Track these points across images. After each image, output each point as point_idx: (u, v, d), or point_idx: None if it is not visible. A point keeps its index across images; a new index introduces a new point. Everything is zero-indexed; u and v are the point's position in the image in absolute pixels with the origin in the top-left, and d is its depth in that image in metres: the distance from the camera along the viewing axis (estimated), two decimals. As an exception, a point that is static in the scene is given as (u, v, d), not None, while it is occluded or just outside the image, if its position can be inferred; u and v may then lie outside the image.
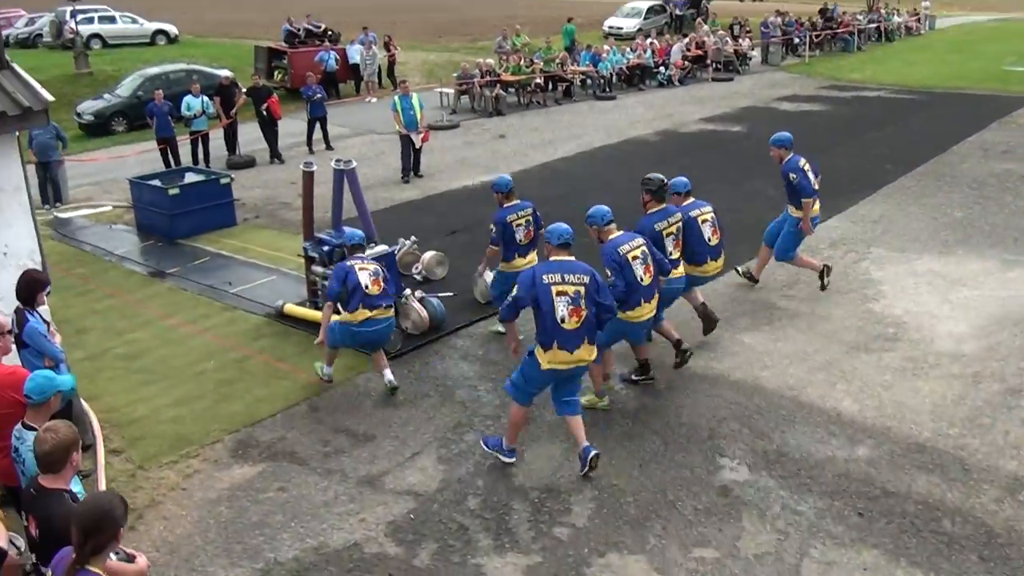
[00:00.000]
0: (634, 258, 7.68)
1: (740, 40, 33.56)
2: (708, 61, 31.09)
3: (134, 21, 37.82)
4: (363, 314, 8.26)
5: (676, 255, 8.57)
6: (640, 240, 7.86)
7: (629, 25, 41.36)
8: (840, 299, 10.57)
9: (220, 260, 12.94)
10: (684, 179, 9.22)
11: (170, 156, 18.42)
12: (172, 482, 7.37)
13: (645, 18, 41.81)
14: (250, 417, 8.32)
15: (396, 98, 17.61)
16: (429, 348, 9.63)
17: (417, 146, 17.49)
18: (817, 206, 10.44)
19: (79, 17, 33.13)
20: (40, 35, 37.88)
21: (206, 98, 19.02)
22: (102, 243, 14.14)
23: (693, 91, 28.26)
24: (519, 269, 8.90)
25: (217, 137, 19.46)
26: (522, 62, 26.28)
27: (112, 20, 37.25)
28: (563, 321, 6.79)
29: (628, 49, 29.87)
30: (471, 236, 13.29)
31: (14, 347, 6.58)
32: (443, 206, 15.36)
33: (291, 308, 10.52)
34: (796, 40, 36.24)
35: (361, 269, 8.39)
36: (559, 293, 6.80)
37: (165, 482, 7.37)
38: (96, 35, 35.65)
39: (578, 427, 7.17)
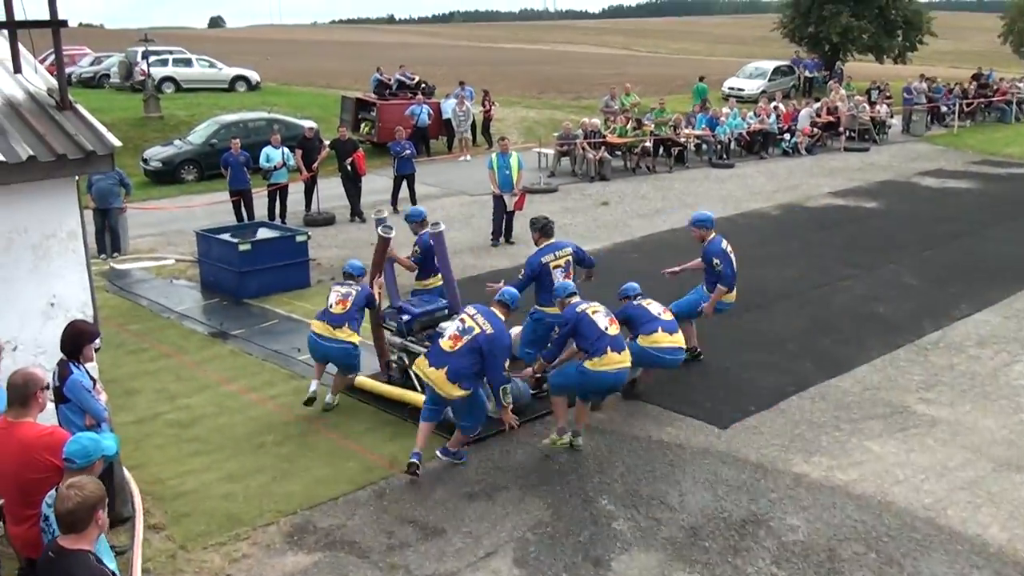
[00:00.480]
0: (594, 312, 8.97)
1: (878, 106, 33.33)
2: (841, 129, 30.93)
3: (212, 65, 39.56)
4: (317, 326, 10.03)
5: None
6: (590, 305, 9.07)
7: (752, 87, 41.51)
8: (989, 406, 10.20)
9: (290, 324, 13.24)
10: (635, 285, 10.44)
11: (243, 209, 19.09)
12: (216, 567, 7.44)
13: (770, 79, 41.96)
14: (309, 499, 8.38)
15: (494, 155, 18.07)
16: (510, 434, 9.60)
17: (510, 208, 17.74)
18: (733, 294, 11.10)
19: (152, 59, 34.81)
20: (107, 75, 39.87)
21: (287, 150, 19.72)
22: (161, 298, 14.64)
23: (822, 161, 28.05)
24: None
25: (296, 191, 20.12)
26: (630, 123, 26.55)
27: (188, 63, 39.06)
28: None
29: (750, 113, 29.93)
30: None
31: (52, 404, 6.64)
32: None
33: (362, 381, 10.65)
34: (944, 108, 35.79)
35: (333, 290, 10.25)
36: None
37: (208, 566, 7.44)
38: (169, 78, 37.40)
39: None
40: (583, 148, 25.30)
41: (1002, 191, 23.07)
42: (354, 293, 10.16)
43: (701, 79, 36.03)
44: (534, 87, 45.26)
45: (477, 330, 8.40)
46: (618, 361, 8.84)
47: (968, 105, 36.55)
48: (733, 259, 11.11)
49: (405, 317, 10.45)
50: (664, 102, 29.34)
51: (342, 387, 10.39)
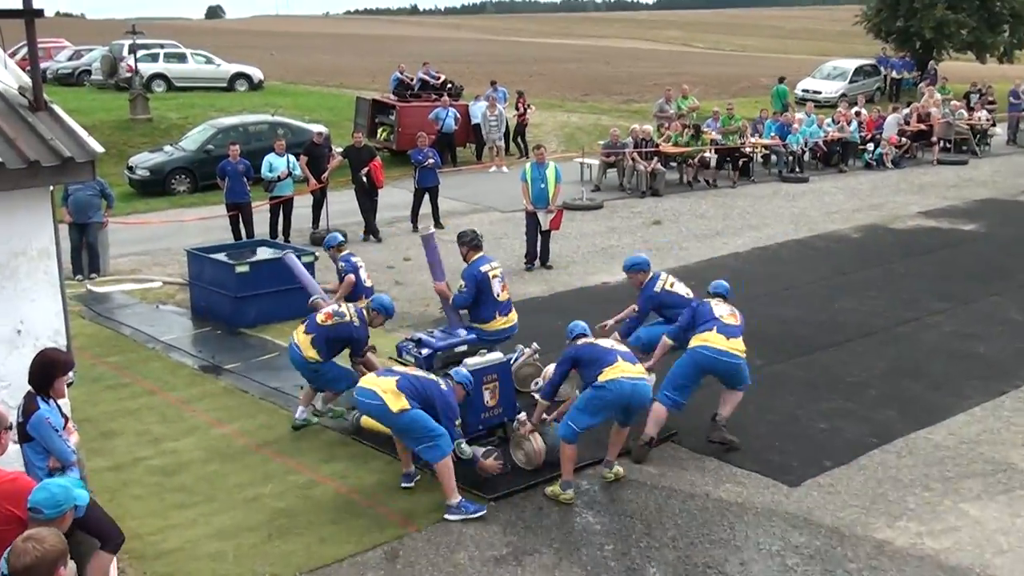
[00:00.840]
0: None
1: (978, 112, 33.13)
2: (934, 138, 30.78)
3: (209, 61, 40.16)
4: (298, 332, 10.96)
5: (504, 297, 11.36)
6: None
7: (830, 89, 41.51)
8: (1109, 465, 10.04)
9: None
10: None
11: (242, 226, 19.28)
12: (204, 637, 7.44)
13: (851, 81, 41.98)
14: (311, 560, 8.40)
15: (528, 166, 18.15)
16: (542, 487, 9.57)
17: (545, 227, 17.78)
18: (731, 342, 10.12)
19: (140, 53, 35.27)
20: (88, 72, 40.46)
21: (292, 158, 19.91)
22: (145, 326, 14.77)
23: (911, 176, 27.91)
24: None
25: (303, 205, 20.29)
26: (687, 131, 26.53)
27: (182, 59, 39.65)
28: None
29: (827, 120, 29.86)
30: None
31: (16, 444, 6.64)
32: (574, 306, 15.43)
33: (369, 422, 10.69)
34: (1057, 117, 35.52)
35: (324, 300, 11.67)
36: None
37: (196, 636, 7.45)
38: (160, 75, 38.01)
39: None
40: (632, 159, 25.35)
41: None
42: (344, 319, 10.81)
43: (781, 80, 36.00)
44: (577, 88, 45.50)
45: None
46: (633, 371, 9.26)
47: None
48: (683, 293, 11.29)
49: (425, 351, 10.46)
50: (733, 107, 29.28)
51: (314, 402, 11.17)
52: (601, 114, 37.55)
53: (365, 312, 10.86)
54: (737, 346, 10.14)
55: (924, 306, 15.34)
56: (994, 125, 33.40)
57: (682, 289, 11.46)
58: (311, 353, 10.66)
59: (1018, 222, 21.83)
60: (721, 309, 10.39)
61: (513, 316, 11.49)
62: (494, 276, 11.27)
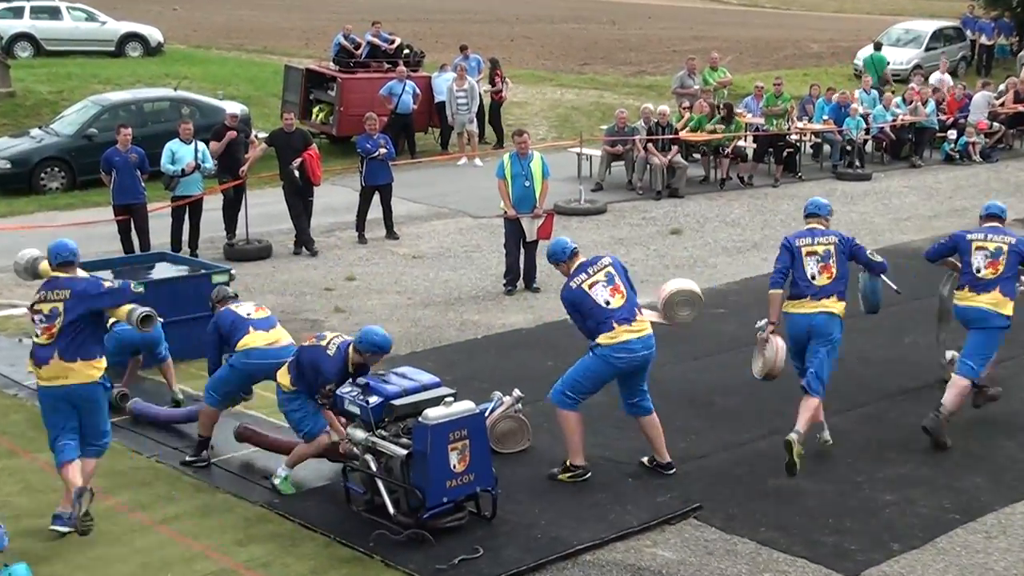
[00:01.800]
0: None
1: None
2: (1036, 123, 30.97)
3: (91, 18, 39.98)
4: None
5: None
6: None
7: (901, 59, 41.59)
8: None
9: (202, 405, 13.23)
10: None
11: (135, 234, 19.26)
12: None
13: (928, 48, 42.08)
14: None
15: (506, 158, 18.13)
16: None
17: (530, 238, 17.84)
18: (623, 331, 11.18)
19: (-2, 7, 35.19)
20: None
21: (203, 145, 19.97)
22: (4, 366, 14.80)
23: (1005, 172, 28.14)
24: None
25: (214, 208, 20.24)
26: (716, 112, 26.59)
27: (55, 14, 39.46)
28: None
29: (897, 99, 29.98)
30: (608, 397, 13.30)
31: None
32: (567, 341, 15.43)
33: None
34: None
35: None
36: None
37: None
38: (26, 35, 37.86)
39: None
40: (645, 149, 25.49)
41: None
42: (322, 343, 11.03)
43: (878, 47, 35.96)
44: (573, 56, 45.71)
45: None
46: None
47: None
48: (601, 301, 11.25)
49: (374, 399, 10.45)
50: (782, 83, 28.85)
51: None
52: (604, 90, 37.68)
53: (351, 351, 10.72)
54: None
55: (1021, 342, 15.43)
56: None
57: (602, 296, 11.24)
58: (285, 380, 10.97)
59: None
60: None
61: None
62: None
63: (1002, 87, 31.57)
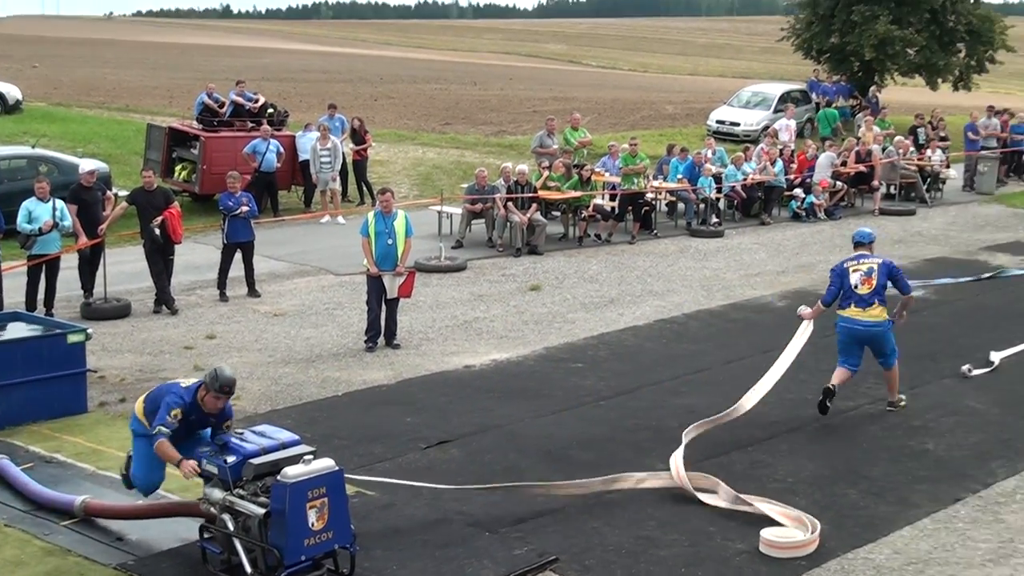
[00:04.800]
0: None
1: (929, 151, 34.25)
2: (875, 183, 31.79)
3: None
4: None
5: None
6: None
7: (750, 120, 42.45)
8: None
9: (52, 469, 12.93)
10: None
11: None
12: None
13: (776, 110, 42.72)
14: None
15: (370, 216, 18.09)
16: None
17: (391, 295, 17.82)
18: None
19: None
20: None
21: (61, 203, 19.57)
22: None
23: (848, 229, 28.52)
24: None
25: (70, 266, 19.88)
26: (575, 172, 26.84)
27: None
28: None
29: (748, 159, 30.48)
30: (466, 452, 13.33)
31: None
32: (427, 399, 15.48)
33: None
34: (1025, 155, 37.05)
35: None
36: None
37: None
38: None
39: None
40: (505, 207, 25.61)
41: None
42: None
43: (828, 104, 36.35)
44: (435, 116, 45.95)
45: None
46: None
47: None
48: None
49: (231, 459, 10.33)
50: (638, 143, 29.26)
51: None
52: (465, 149, 37.87)
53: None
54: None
55: (863, 392, 15.68)
56: (948, 167, 34.58)
57: None
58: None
59: (975, 287, 22.63)
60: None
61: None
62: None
63: (843, 148, 32.25)
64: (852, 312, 14.62)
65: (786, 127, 35.90)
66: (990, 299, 21.50)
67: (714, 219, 28.35)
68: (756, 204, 29.81)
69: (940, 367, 17.01)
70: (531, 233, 25.33)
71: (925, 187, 32.95)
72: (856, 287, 14.63)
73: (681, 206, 28.77)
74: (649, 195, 27.77)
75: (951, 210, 32.01)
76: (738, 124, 42.16)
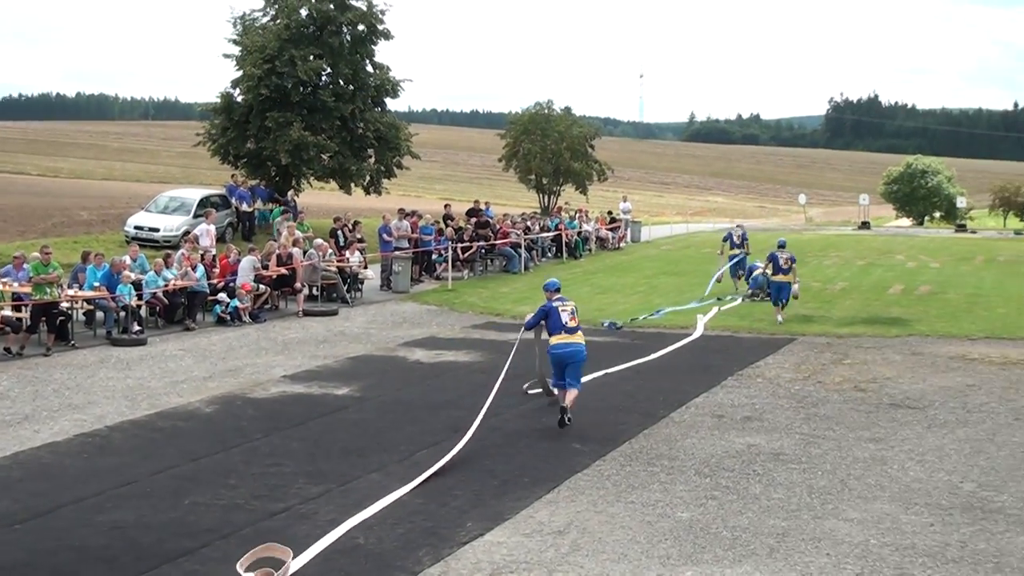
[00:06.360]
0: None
1: (348, 253, 35.32)
2: (298, 284, 32.37)
3: None
4: None
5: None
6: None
7: (170, 225, 42.11)
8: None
9: None
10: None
11: None
12: None
13: (196, 215, 42.73)
14: None
15: None
16: None
17: None
18: None
19: None
20: None
21: None
22: None
23: (273, 331, 29.13)
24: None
25: None
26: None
27: None
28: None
29: (169, 265, 30.25)
30: None
31: None
32: None
33: None
34: (434, 256, 38.89)
35: None
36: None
37: None
38: None
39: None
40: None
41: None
42: None
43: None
44: None
45: None
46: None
47: (465, 251, 40.03)
48: None
49: None
50: (51, 252, 28.04)
51: None
52: None
53: None
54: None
55: (295, 492, 15.73)
56: (366, 267, 35.86)
57: None
58: None
59: (395, 381, 23.37)
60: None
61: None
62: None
63: (263, 253, 32.67)
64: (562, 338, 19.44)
65: (207, 232, 36.00)
66: (413, 393, 22.19)
67: (136, 327, 27.84)
68: (180, 310, 29.64)
69: (367, 461, 17.32)
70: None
71: (346, 288, 33.97)
72: (566, 323, 19.47)
73: (100, 315, 28.06)
74: (64, 304, 26.91)
75: (371, 309, 33.11)
76: (157, 230, 41.76)
